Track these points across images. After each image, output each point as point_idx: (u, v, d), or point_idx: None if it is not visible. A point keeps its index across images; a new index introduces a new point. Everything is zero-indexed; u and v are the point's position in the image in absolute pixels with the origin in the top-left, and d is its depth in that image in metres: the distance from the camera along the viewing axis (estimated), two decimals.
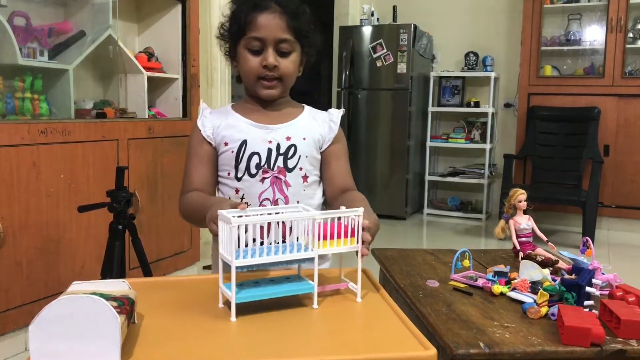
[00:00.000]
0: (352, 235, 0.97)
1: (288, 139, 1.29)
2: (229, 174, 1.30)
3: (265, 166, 1.27)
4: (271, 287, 0.95)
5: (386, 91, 5.12)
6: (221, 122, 1.31)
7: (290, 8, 1.24)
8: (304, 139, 1.30)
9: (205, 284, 1.10)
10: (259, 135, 1.29)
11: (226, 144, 1.29)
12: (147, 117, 2.93)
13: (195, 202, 1.25)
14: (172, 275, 2.90)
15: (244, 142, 1.28)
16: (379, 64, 5.10)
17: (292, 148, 1.29)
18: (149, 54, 3.05)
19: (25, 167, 2.18)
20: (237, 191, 1.29)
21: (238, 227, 0.87)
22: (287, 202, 1.27)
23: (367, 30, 5.15)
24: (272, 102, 1.33)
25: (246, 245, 0.90)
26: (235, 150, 1.28)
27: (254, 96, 1.33)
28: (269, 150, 1.28)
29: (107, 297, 0.80)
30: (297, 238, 0.96)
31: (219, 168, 1.33)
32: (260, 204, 1.27)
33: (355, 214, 0.97)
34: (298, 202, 1.26)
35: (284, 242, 0.94)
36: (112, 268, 1.89)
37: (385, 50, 5.07)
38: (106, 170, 2.52)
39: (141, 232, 2.07)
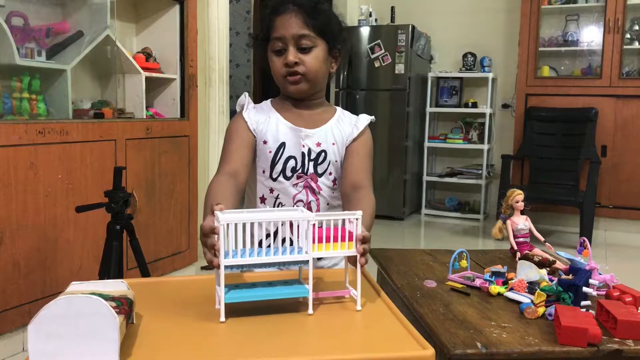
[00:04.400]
0: (350, 239, 0.95)
1: (318, 145, 1.33)
2: (264, 171, 1.34)
3: (300, 171, 1.32)
4: (265, 289, 0.94)
5: (384, 92, 5.12)
6: (263, 120, 1.35)
7: (307, 6, 1.26)
8: (333, 144, 1.34)
9: (204, 284, 1.10)
10: (295, 139, 1.33)
11: (265, 142, 1.34)
12: (145, 117, 2.93)
13: (210, 196, 1.21)
14: (170, 276, 2.91)
15: (283, 145, 1.32)
16: (377, 64, 5.10)
17: (323, 154, 1.33)
18: (147, 54, 3.05)
19: (23, 167, 2.18)
20: (271, 190, 1.34)
21: (227, 225, 0.87)
22: (318, 204, 1.33)
23: (365, 31, 5.16)
24: (306, 102, 1.36)
25: (243, 246, 0.90)
26: (273, 151, 1.33)
27: (288, 96, 1.38)
28: (303, 155, 1.33)
29: (106, 298, 0.80)
30: (291, 240, 0.96)
31: (256, 164, 1.36)
32: (295, 205, 1.32)
33: (354, 217, 0.95)
34: (328, 204, 1.35)
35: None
36: (110, 268, 1.89)
37: (383, 51, 5.07)
38: (104, 170, 2.52)
39: (139, 232, 2.06)
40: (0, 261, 2.12)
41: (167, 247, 3.00)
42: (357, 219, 0.95)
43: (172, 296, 1.02)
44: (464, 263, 1.46)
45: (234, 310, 0.93)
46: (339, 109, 1.42)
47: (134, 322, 0.87)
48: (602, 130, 4.56)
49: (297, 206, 1.32)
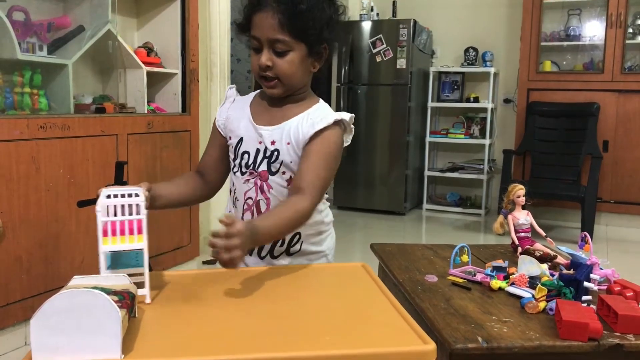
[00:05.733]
0: (140, 231, 0.92)
1: (273, 143, 1.27)
2: (232, 166, 1.34)
3: (252, 167, 1.28)
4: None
5: (386, 86, 5.12)
6: (231, 115, 1.34)
7: (286, 6, 1.18)
8: (288, 143, 1.26)
9: (205, 278, 1.10)
10: (252, 135, 1.29)
11: (230, 138, 1.33)
12: (146, 112, 2.93)
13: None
14: (172, 270, 2.91)
15: (241, 140, 1.30)
16: (378, 59, 5.09)
17: (276, 153, 1.27)
18: (148, 49, 3.05)
19: (25, 162, 2.18)
20: (233, 184, 1.33)
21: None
22: (268, 203, 1.28)
23: (366, 26, 5.15)
24: (283, 98, 1.30)
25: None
26: (234, 146, 1.32)
27: None
28: (257, 151, 1.28)
29: (108, 292, 0.80)
30: None
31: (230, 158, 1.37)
32: (245, 202, 1.30)
33: (134, 192, 0.96)
34: None
35: None
36: None
37: (384, 46, 5.06)
38: (105, 165, 2.52)
39: None
40: (2, 256, 2.12)
41: (169, 241, 3.00)
42: (136, 194, 0.96)
43: (174, 290, 1.02)
44: (465, 258, 1.46)
45: (236, 303, 0.93)
46: (317, 104, 1.31)
47: (136, 315, 0.88)
48: (604, 125, 4.55)
49: (247, 203, 1.29)
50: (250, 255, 1.32)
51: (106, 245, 0.92)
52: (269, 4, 1.19)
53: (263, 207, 1.28)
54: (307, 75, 1.29)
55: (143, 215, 0.94)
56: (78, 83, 2.68)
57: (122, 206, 0.97)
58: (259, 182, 1.28)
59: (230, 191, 1.35)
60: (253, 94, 1.38)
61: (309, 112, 1.28)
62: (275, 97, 1.29)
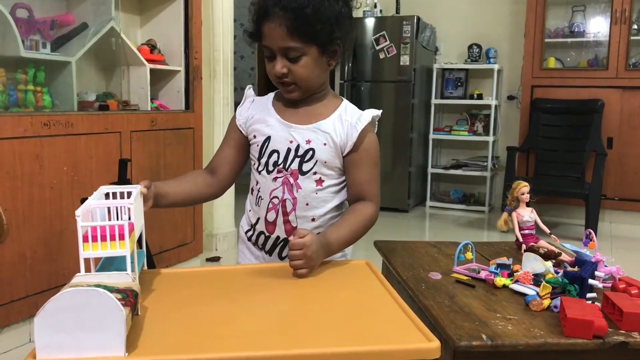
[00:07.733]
0: (121, 237, 0.88)
1: (308, 142, 1.27)
2: (254, 164, 1.34)
3: (281, 166, 1.28)
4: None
5: (389, 83, 5.11)
6: (255, 115, 1.34)
7: (292, 13, 1.17)
8: (325, 144, 1.27)
9: (209, 275, 1.10)
10: (283, 134, 1.28)
11: (255, 136, 1.32)
12: (149, 109, 2.93)
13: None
14: (176, 267, 2.92)
15: (268, 139, 1.30)
16: (381, 56, 5.09)
17: (310, 152, 1.27)
18: (152, 46, 3.05)
19: (29, 160, 2.18)
20: (257, 183, 1.32)
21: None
22: (295, 204, 1.27)
23: (370, 22, 5.14)
24: (304, 99, 1.30)
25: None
26: (259, 144, 1.31)
27: None
28: (288, 150, 1.27)
29: (111, 289, 0.80)
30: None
31: (250, 157, 1.36)
32: (270, 201, 1.29)
33: (126, 205, 0.92)
34: (307, 204, 1.27)
35: None
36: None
37: (388, 42, 5.05)
38: (109, 162, 2.52)
39: (144, 224, 2.07)
40: (6, 253, 2.13)
41: (172, 238, 3.01)
42: (129, 208, 0.92)
43: (177, 287, 1.02)
44: (469, 255, 1.45)
45: (239, 300, 0.93)
46: (343, 103, 1.34)
47: (139, 313, 0.87)
48: (608, 122, 4.53)
49: (272, 202, 1.28)
50: (270, 255, 1.32)
51: (87, 252, 0.88)
52: (275, 13, 1.19)
53: (289, 207, 1.27)
54: (324, 73, 1.30)
55: (126, 220, 0.91)
56: (81, 80, 2.68)
57: (109, 209, 0.96)
58: (289, 181, 1.27)
59: (252, 190, 1.33)
60: (272, 94, 1.38)
61: (339, 113, 1.31)
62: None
